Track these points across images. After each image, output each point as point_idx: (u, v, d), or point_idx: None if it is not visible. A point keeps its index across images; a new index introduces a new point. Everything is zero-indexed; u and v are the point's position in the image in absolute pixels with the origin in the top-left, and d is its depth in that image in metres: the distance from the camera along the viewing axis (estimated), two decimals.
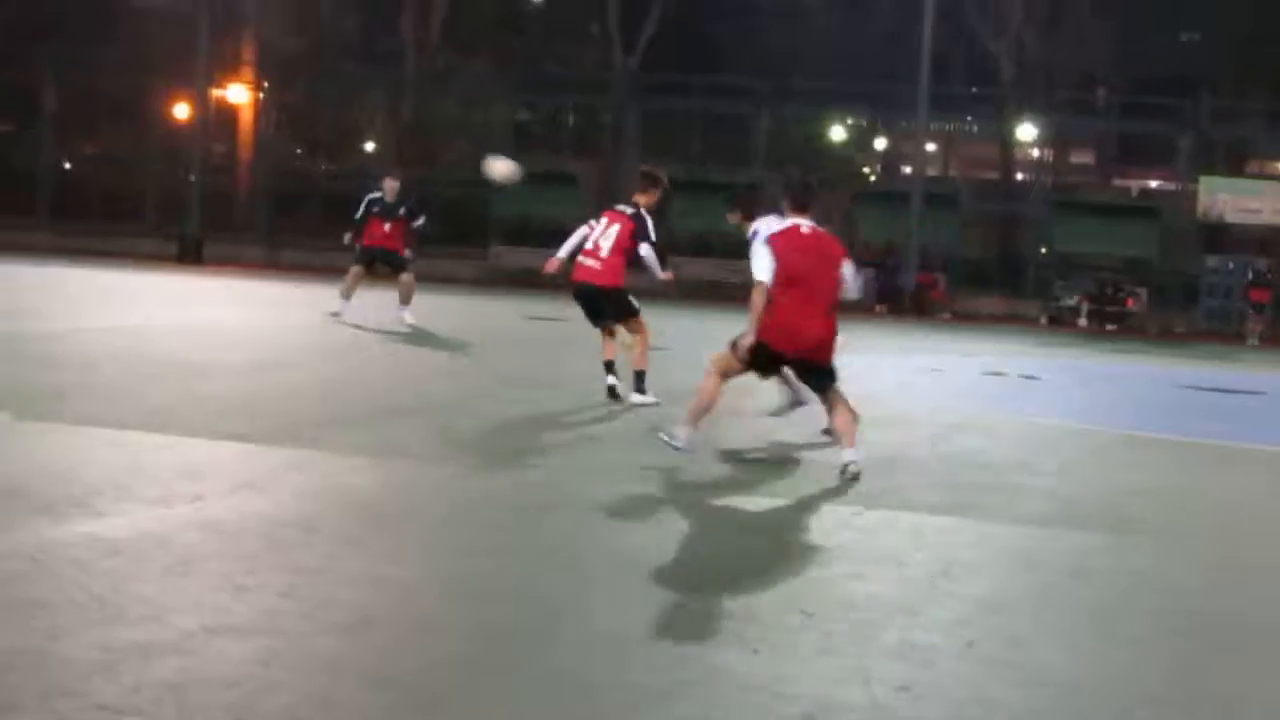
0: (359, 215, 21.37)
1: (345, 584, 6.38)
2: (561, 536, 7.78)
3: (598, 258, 13.90)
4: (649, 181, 14.27)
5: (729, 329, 11.04)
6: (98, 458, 8.93)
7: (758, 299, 10.22)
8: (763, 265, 10.32)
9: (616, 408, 13.33)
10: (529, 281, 37.08)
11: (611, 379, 13.88)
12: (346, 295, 20.87)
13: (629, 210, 14.07)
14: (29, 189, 45.69)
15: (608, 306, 14.00)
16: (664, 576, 6.96)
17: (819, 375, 10.58)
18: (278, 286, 27.12)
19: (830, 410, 10.68)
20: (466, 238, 42.54)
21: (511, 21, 50.43)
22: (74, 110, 47.43)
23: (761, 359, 10.52)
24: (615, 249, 13.89)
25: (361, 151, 49.39)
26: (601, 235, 13.99)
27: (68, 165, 49.61)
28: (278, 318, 21.48)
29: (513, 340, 21.75)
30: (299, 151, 50.88)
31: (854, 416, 10.41)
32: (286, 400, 12.42)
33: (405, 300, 21.25)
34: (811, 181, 12.36)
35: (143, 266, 27.19)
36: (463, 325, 23.57)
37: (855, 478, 9.97)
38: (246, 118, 47.57)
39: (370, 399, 13.06)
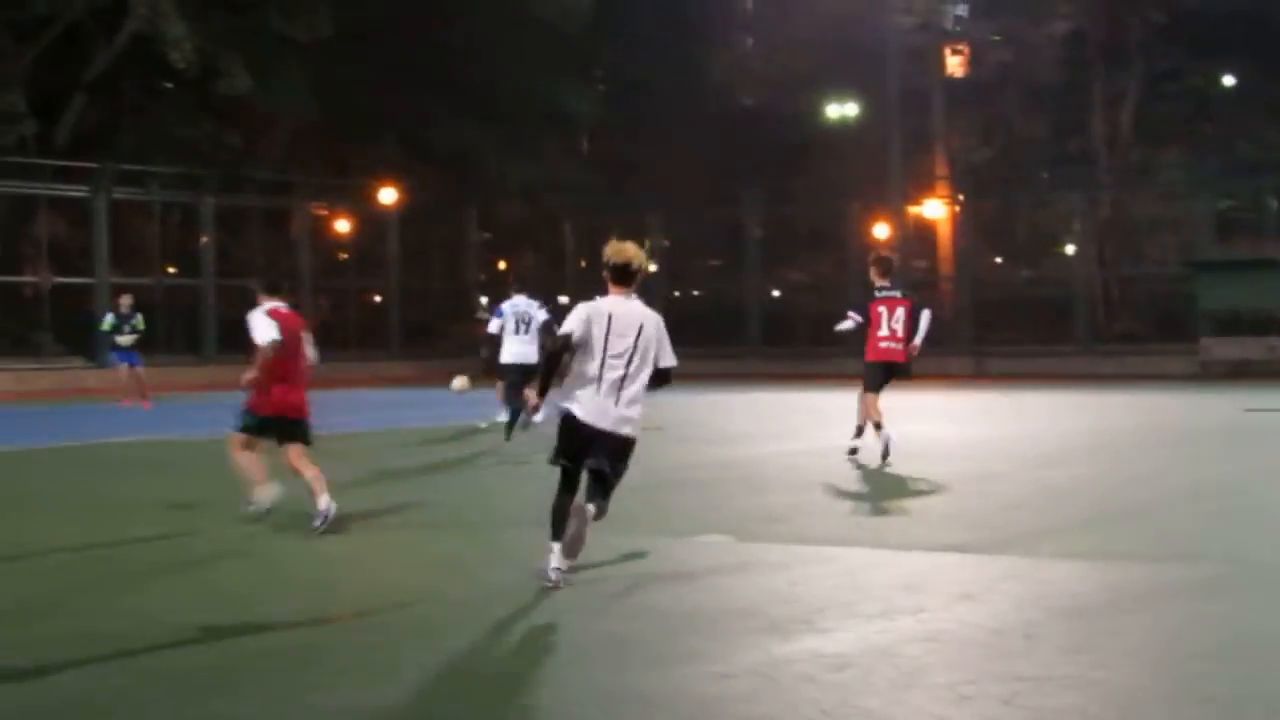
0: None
1: (1066, 690, 6.40)
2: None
3: (899, 339, 16.27)
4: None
5: None
6: (817, 575, 9.27)
7: None
8: None
9: None
10: (1245, 373, 35.81)
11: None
12: None
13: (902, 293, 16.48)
14: (740, 319, 47.71)
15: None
16: None
17: None
18: (986, 397, 27.26)
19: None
20: (1174, 333, 41.43)
21: (1203, 108, 49.04)
22: (778, 240, 49.25)
23: None
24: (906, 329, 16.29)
25: (1060, 255, 48.98)
26: (898, 320, 16.20)
27: (776, 294, 51.57)
28: (987, 428, 21.57)
29: (1228, 436, 20.82)
30: (998, 260, 51.06)
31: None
32: (999, 510, 12.47)
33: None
34: None
35: (849, 387, 28.04)
36: (1175, 421, 22.97)
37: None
38: (944, 231, 48.17)
39: (1086, 504, 12.93)
